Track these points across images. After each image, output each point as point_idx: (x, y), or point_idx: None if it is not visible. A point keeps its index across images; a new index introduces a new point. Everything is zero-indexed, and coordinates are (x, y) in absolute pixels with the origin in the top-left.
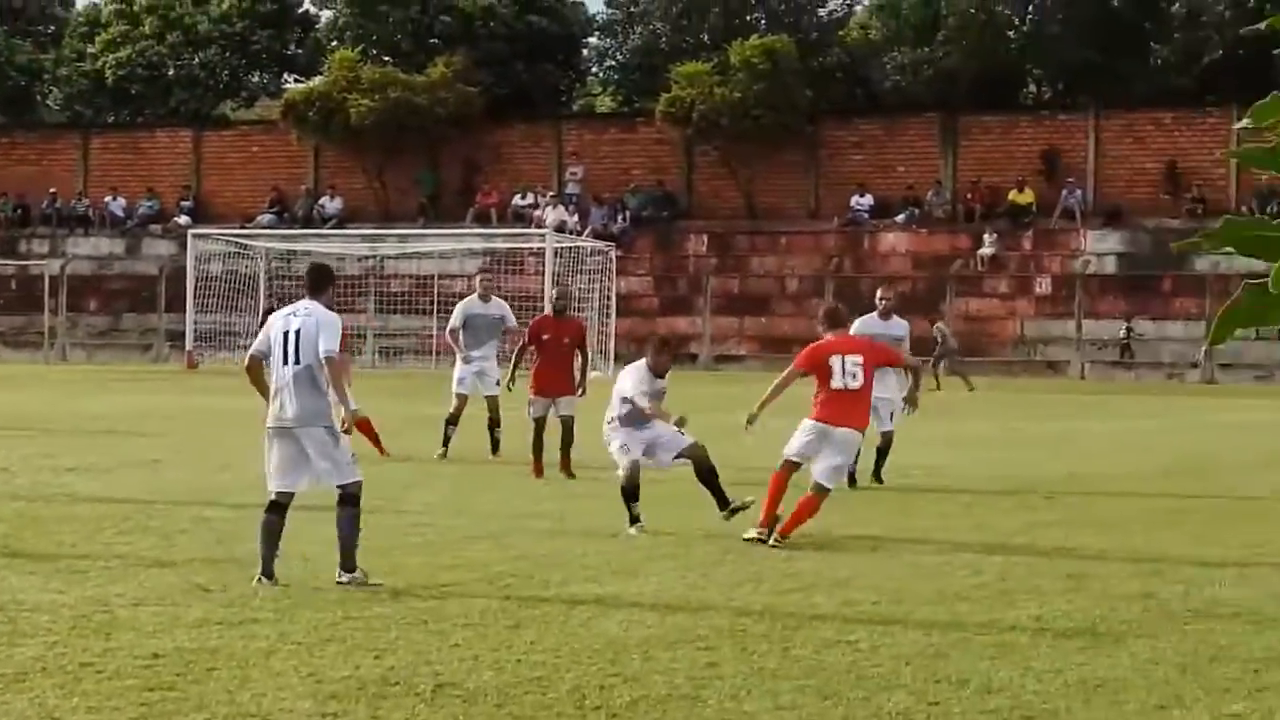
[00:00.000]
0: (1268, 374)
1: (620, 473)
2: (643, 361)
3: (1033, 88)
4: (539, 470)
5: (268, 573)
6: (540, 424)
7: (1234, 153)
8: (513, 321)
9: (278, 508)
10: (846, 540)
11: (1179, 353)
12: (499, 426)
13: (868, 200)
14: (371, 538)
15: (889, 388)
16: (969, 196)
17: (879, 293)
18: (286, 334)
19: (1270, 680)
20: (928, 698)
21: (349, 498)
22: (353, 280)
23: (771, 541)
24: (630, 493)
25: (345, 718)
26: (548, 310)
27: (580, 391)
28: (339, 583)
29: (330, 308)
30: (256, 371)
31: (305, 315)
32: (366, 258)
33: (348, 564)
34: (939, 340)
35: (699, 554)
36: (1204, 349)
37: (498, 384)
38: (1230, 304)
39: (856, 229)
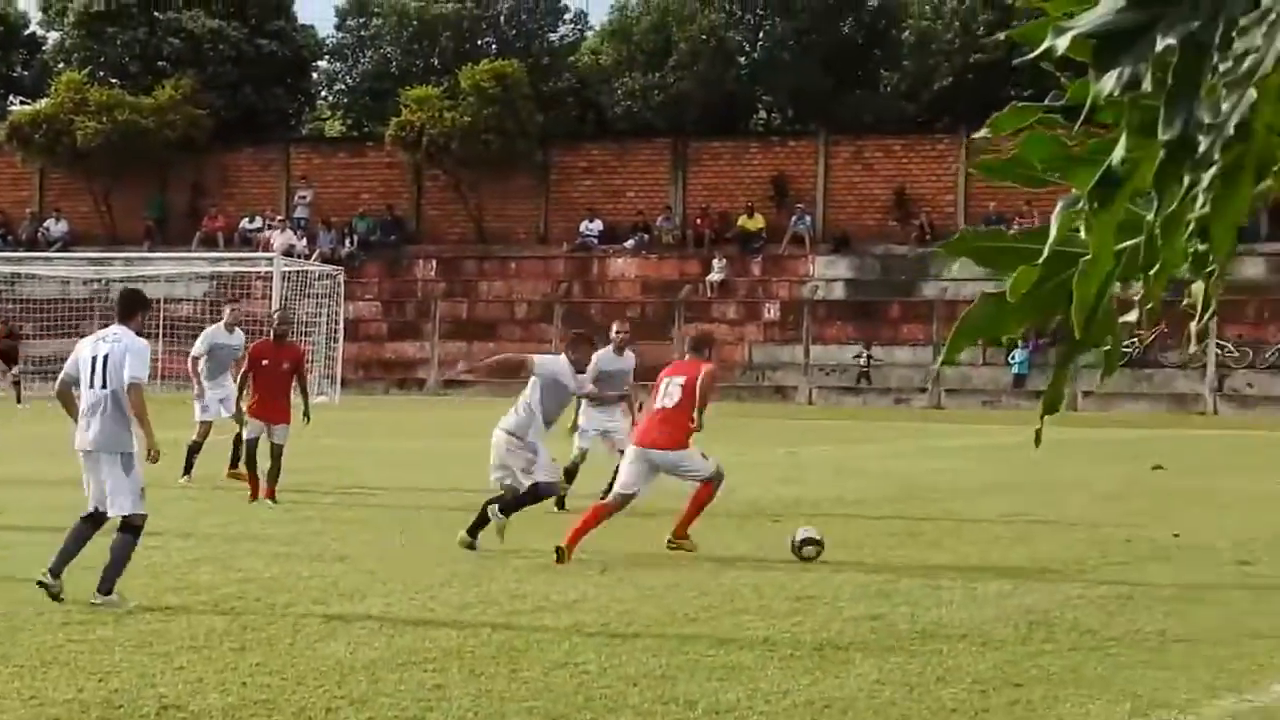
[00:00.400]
0: (993, 399)
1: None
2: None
3: (763, 114)
4: (255, 490)
5: (54, 570)
6: (253, 445)
7: (976, 164)
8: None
9: (91, 518)
10: (575, 563)
11: (906, 378)
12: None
13: (597, 225)
14: (96, 559)
15: (615, 416)
16: (699, 222)
17: (614, 327)
18: (95, 359)
19: (996, 701)
20: (657, 718)
21: (130, 527)
22: (78, 303)
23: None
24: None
25: None
26: (269, 335)
27: (305, 418)
28: (92, 602)
29: (140, 334)
30: (67, 396)
31: (114, 341)
32: (92, 281)
33: (105, 586)
34: None
35: (427, 575)
36: (934, 369)
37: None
38: (966, 315)
39: (586, 254)
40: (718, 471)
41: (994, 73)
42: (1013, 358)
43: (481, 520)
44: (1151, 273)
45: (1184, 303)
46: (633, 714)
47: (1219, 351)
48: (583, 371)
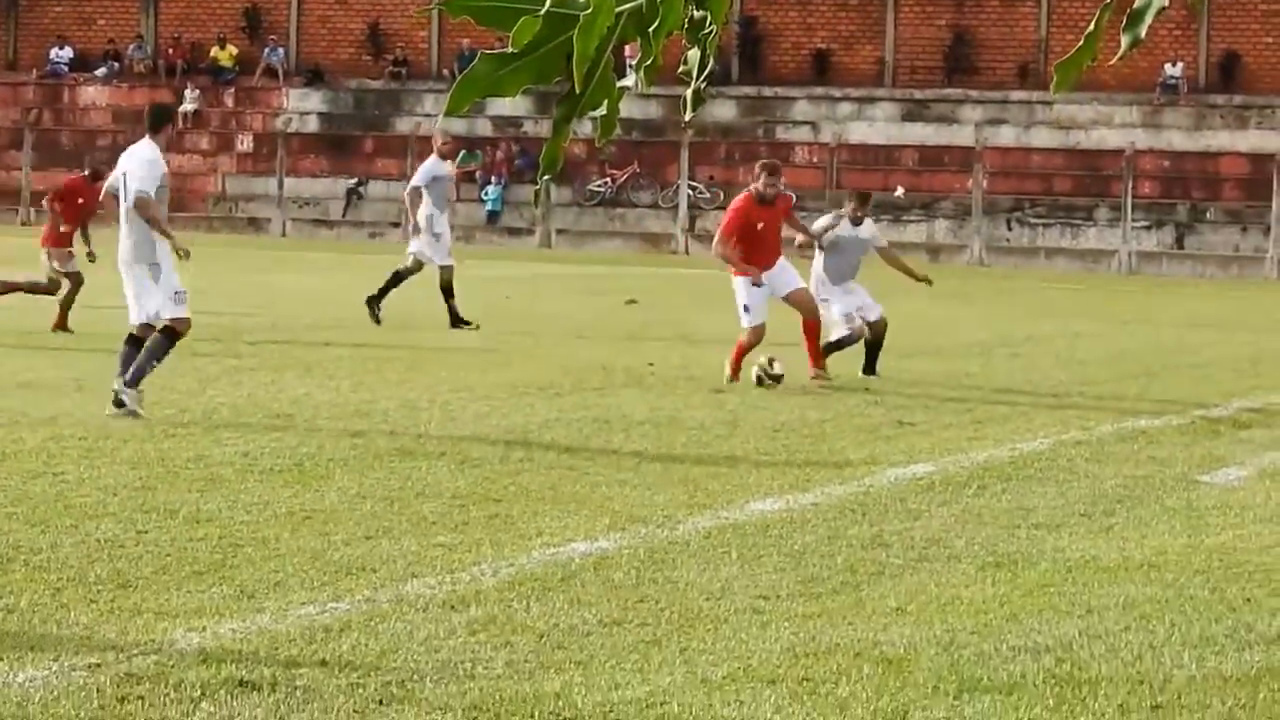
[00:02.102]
0: (467, 235)
1: None
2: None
3: None
4: None
5: (117, 403)
6: None
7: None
8: None
9: (131, 339)
10: (53, 380)
11: (381, 212)
12: None
13: (68, 52)
14: None
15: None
16: (170, 52)
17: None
18: (122, 175)
19: (475, 515)
20: (136, 525)
21: (169, 330)
22: None
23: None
24: None
25: None
26: None
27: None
28: (114, 389)
29: (165, 148)
30: (110, 205)
31: (130, 156)
32: None
33: (133, 380)
34: None
35: None
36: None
37: None
38: (468, 71)
39: (56, 81)
40: None
41: None
42: (486, 194)
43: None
44: (651, 30)
45: (679, 70)
46: (112, 520)
47: (690, 192)
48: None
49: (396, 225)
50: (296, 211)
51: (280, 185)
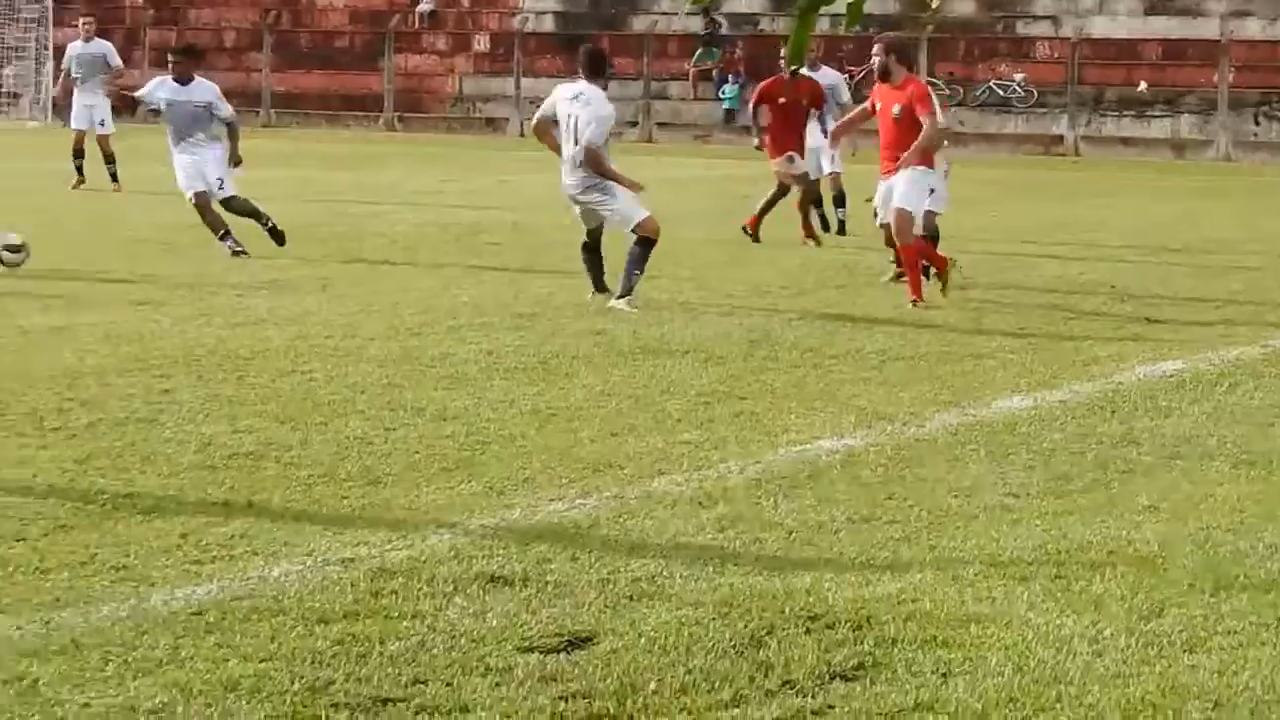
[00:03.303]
0: (705, 134)
1: None
2: None
3: None
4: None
5: (598, 287)
6: None
7: None
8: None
9: (587, 246)
10: (299, 282)
11: (618, 111)
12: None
13: None
14: None
15: None
16: None
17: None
18: (574, 117)
19: (718, 412)
20: (384, 423)
21: (643, 239)
22: None
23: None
24: None
25: None
26: None
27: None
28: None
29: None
30: (544, 131)
31: (584, 104)
32: None
33: (625, 291)
34: None
35: (147, 292)
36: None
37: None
38: None
39: None
40: None
41: None
42: (723, 92)
43: None
44: None
45: None
46: (360, 419)
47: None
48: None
49: (634, 124)
50: (532, 111)
51: (517, 85)
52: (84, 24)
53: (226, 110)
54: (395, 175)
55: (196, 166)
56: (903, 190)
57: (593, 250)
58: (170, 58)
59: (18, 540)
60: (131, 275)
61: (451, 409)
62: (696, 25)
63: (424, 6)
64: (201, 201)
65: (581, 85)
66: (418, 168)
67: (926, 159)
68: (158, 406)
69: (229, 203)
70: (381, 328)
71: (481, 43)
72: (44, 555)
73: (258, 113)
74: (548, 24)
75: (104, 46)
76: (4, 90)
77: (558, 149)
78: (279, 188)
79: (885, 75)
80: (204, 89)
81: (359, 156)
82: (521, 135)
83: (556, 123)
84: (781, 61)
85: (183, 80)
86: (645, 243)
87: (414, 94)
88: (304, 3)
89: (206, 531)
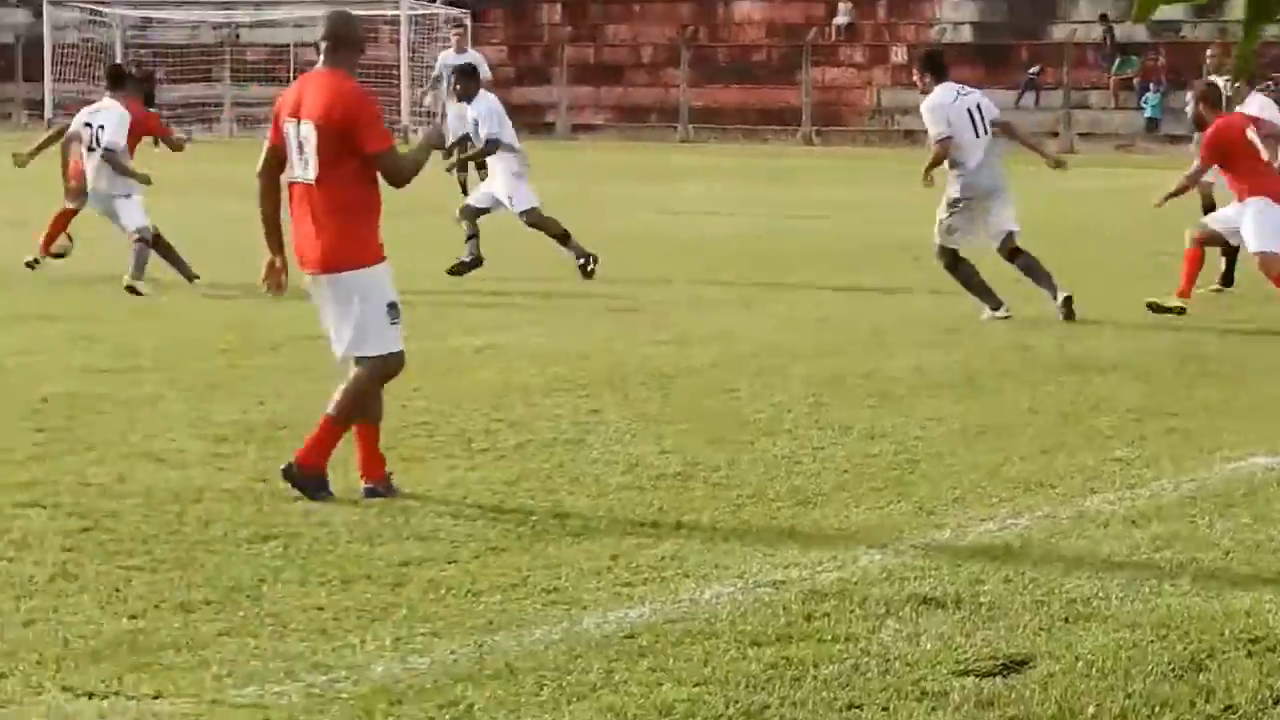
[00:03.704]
0: (1127, 143)
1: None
2: None
3: None
4: None
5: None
6: None
7: None
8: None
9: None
10: (719, 299)
11: (1036, 121)
12: None
13: None
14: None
15: None
16: None
17: None
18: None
19: (1149, 429)
20: (812, 442)
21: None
22: (208, 49)
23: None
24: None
25: (236, 458)
26: None
27: None
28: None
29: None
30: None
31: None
32: (221, 26)
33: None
34: None
35: (573, 310)
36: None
37: None
38: None
39: None
40: None
41: None
42: (1145, 101)
43: None
44: None
45: None
46: (788, 438)
47: None
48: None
49: (1054, 135)
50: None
51: None
52: (454, 34)
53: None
54: (813, 189)
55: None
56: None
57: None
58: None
59: (449, 563)
60: (554, 292)
61: (879, 427)
62: (1117, 33)
63: (841, 19)
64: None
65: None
66: (836, 181)
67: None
68: (585, 427)
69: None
70: (805, 344)
71: (899, 54)
72: (475, 578)
73: (675, 128)
74: (965, 34)
75: (474, 57)
76: (424, 110)
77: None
78: (697, 203)
79: None
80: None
81: (777, 170)
82: None
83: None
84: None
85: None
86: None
87: (832, 107)
88: (721, 17)
89: (637, 553)
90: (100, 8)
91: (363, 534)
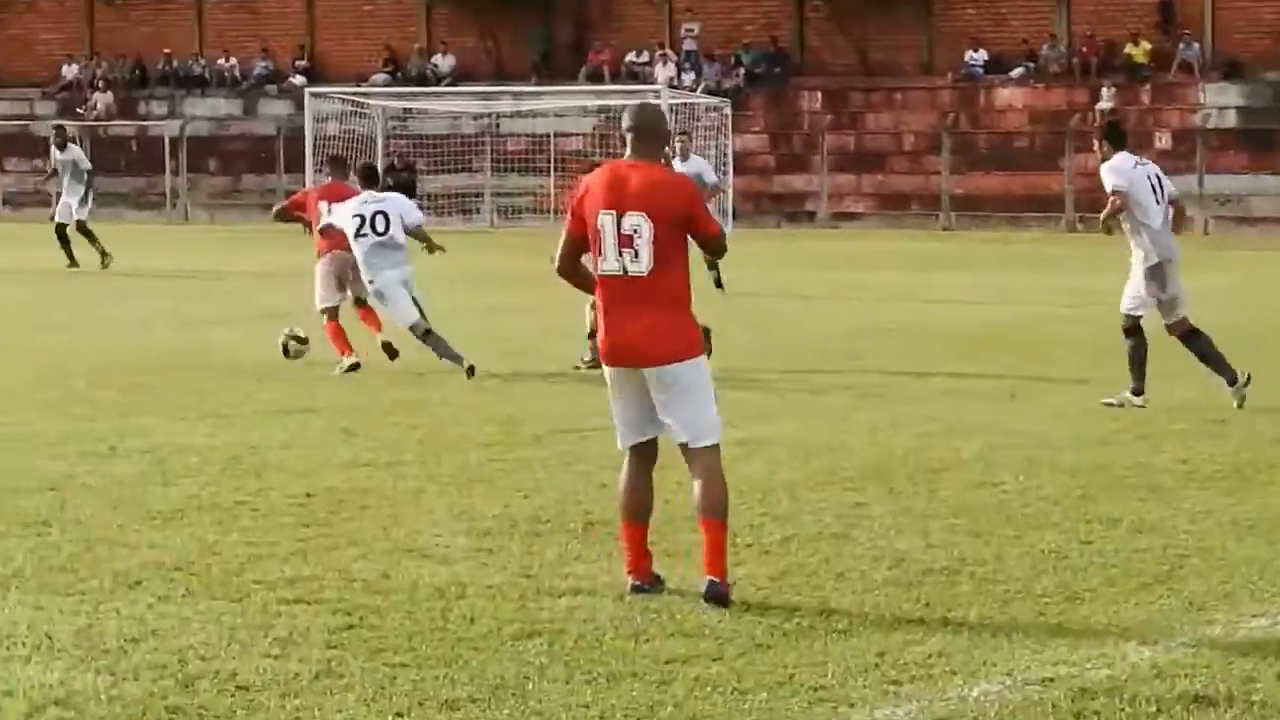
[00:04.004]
0: None
1: None
2: None
3: None
4: None
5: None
6: None
7: None
8: (711, 178)
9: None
10: (982, 390)
11: None
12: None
13: (982, 55)
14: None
15: None
16: (1084, 50)
17: None
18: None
19: None
20: (1079, 536)
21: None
22: (468, 140)
23: None
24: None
25: (500, 553)
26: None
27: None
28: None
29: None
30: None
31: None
32: (481, 116)
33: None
34: None
35: (833, 400)
36: None
37: None
38: None
39: (972, 84)
40: None
41: None
42: None
43: None
44: None
45: None
46: (1056, 531)
47: None
48: None
49: None
50: (1217, 209)
51: (1200, 183)
52: (678, 142)
53: None
54: (1076, 277)
55: None
56: None
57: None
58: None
59: (715, 660)
60: (812, 383)
61: (1148, 520)
62: None
63: (1104, 104)
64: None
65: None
66: (1100, 269)
67: None
68: (850, 521)
69: None
70: (1072, 436)
71: (1163, 140)
72: (741, 675)
73: (936, 216)
74: (1230, 119)
75: (699, 164)
76: None
77: None
78: (958, 291)
79: None
80: None
81: (1039, 258)
82: (1205, 233)
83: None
84: None
85: None
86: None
87: (1095, 193)
88: (982, 104)
89: (903, 650)
90: (362, 99)
91: (628, 630)
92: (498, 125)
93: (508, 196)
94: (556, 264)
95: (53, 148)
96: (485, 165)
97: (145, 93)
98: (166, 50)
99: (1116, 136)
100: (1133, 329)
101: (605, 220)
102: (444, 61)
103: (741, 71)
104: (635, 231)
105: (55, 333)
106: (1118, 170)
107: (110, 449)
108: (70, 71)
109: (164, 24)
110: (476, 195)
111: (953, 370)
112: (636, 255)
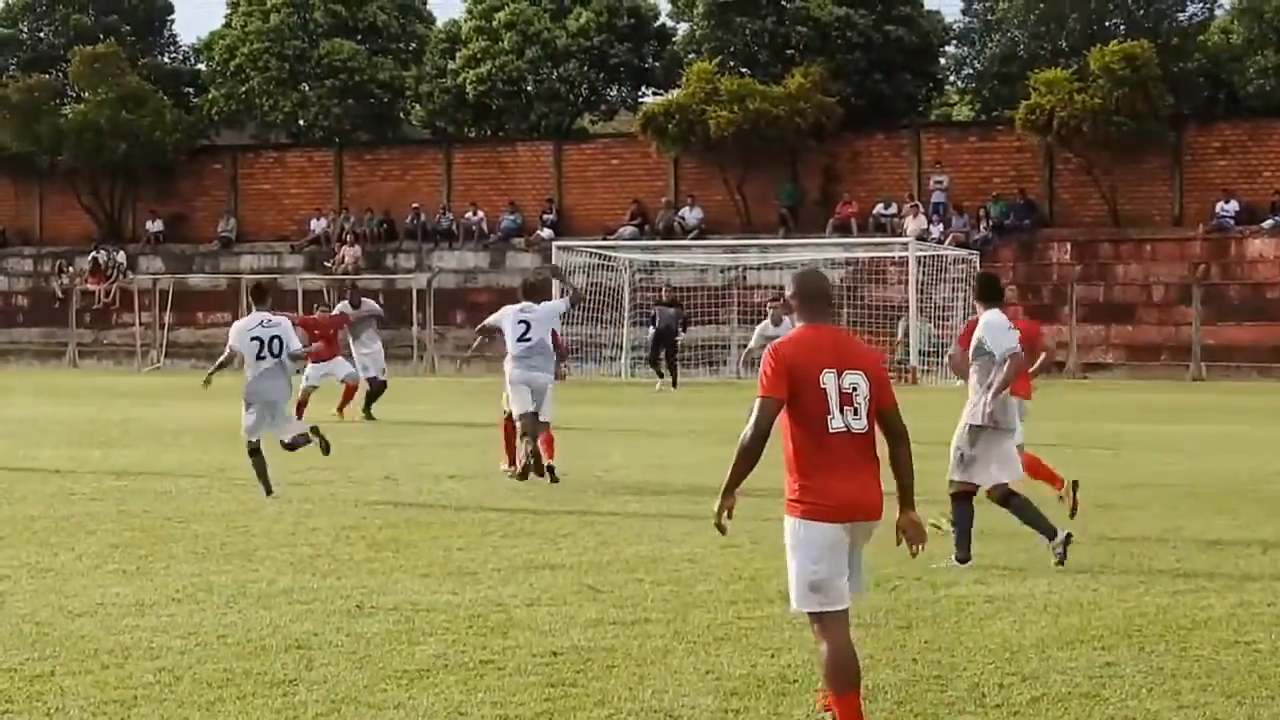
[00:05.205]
0: None
1: None
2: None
3: None
4: None
5: None
6: None
7: None
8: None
9: None
10: (1234, 543)
11: None
12: None
13: (1233, 206)
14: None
15: None
16: None
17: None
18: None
19: None
20: None
21: None
22: (715, 291)
23: None
24: None
25: (747, 714)
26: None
27: None
28: None
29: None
30: None
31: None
32: (729, 268)
33: None
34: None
35: (1086, 555)
36: None
37: None
38: None
39: (1223, 235)
40: None
41: None
42: None
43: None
44: None
45: None
46: None
47: None
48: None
49: None
50: None
51: None
52: (770, 307)
53: None
54: None
55: None
56: None
57: None
58: None
59: None
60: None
61: None
62: None
63: None
64: None
65: None
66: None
67: None
68: (1100, 681)
69: None
70: None
71: None
72: None
73: (1187, 366)
74: None
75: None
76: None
77: None
78: (1209, 442)
79: None
80: None
81: None
82: None
83: None
84: None
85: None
86: None
87: None
88: (1233, 254)
89: None
90: (609, 250)
91: None
92: (744, 277)
93: None
94: (757, 430)
95: (345, 303)
96: (733, 316)
97: (393, 245)
98: (414, 204)
99: None
100: None
101: (826, 379)
102: (691, 214)
103: (989, 223)
104: (854, 390)
105: (305, 487)
106: None
107: (357, 606)
108: (318, 225)
109: (412, 178)
110: (723, 346)
111: (1203, 523)
112: (857, 412)
